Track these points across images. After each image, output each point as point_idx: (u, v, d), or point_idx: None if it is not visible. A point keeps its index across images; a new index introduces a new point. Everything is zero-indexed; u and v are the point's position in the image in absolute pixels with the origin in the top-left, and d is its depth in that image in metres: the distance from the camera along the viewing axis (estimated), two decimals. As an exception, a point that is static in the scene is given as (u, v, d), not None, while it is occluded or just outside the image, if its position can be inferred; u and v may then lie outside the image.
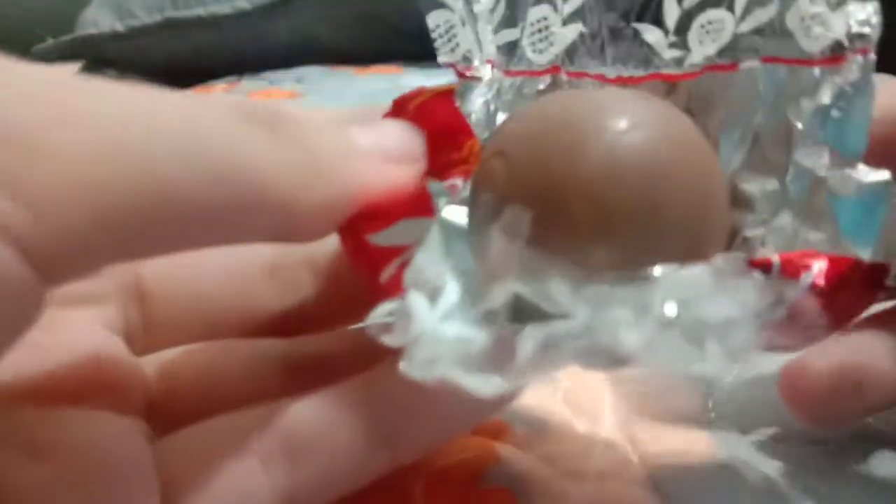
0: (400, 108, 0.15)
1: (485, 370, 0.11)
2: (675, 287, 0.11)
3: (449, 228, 0.14)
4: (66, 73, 0.11)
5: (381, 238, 0.14)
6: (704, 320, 0.11)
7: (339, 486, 0.14)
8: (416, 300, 0.12)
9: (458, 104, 0.15)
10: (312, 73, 0.67)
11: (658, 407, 0.22)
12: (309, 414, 0.14)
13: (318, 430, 0.13)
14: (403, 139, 0.15)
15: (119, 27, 0.73)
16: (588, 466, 0.19)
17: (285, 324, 0.18)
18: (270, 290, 0.18)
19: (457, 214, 0.15)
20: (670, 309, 0.11)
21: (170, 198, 0.10)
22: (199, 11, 0.71)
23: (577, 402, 0.22)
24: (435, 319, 0.11)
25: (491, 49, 0.17)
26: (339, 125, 0.14)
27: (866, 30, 0.15)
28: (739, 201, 0.17)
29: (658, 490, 0.18)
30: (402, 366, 0.11)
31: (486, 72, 0.17)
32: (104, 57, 0.81)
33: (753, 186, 0.17)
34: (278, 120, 0.12)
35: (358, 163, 0.13)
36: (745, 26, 0.17)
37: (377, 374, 0.14)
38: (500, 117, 0.18)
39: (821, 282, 0.14)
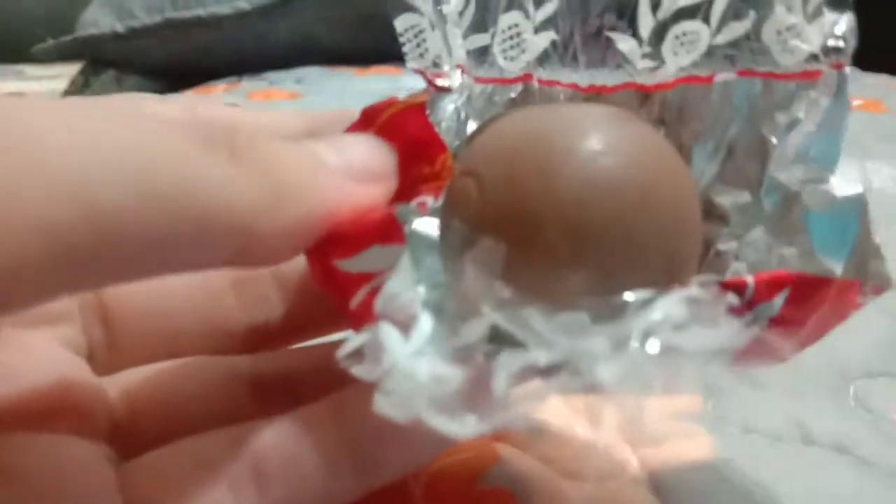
0: (369, 119, 0.15)
1: (460, 410, 0.11)
2: (651, 317, 0.11)
3: (419, 241, 0.14)
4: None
5: (350, 264, 0.13)
6: (681, 350, 0.11)
7: None
8: (387, 332, 0.11)
9: (429, 114, 0.15)
10: (312, 74, 0.68)
11: (658, 407, 0.22)
12: (278, 438, 0.13)
13: (288, 454, 0.13)
14: (373, 156, 0.14)
15: (119, 27, 0.73)
16: (588, 466, 0.19)
17: (252, 339, 0.17)
18: (236, 305, 0.17)
19: (427, 226, 0.15)
20: (649, 344, 0.11)
21: (115, 231, 0.10)
22: (199, 11, 0.71)
23: (576, 403, 0.22)
24: (408, 354, 0.11)
25: (461, 54, 0.17)
26: (304, 143, 0.13)
27: (842, 44, 0.15)
28: (713, 214, 0.17)
29: (658, 490, 0.18)
30: (376, 403, 0.10)
31: (457, 78, 0.17)
32: (104, 57, 0.81)
33: (727, 199, 0.16)
34: (238, 141, 0.12)
35: (325, 183, 0.13)
36: (721, 38, 0.17)
37: (348, 397, 0.13)
38: (471, 125, 0.18)
39: (793, 301, 0.13)
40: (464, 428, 0.10)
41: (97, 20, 0.75)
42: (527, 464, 0.19)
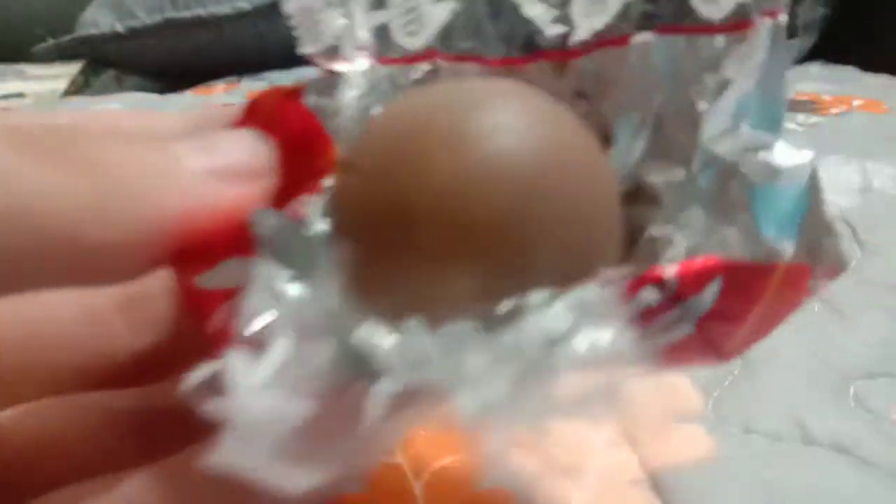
0: (253, 113, 0.13)
1: (303, 455, 0.09)
2: (542, 325, 0.10)
3: (290, 247, 0.12)
4: None
5: (206, 279, 0.12)
6: (576, 359, 0.10)
7: None
8: (235, 360, 0.10)
9: (317, 102, 0.13)
10: (312, 74, 0.67)
11: (658, 407, 0.22)
12: (141, 492, 0.12)
13: None
14: (246, 152, 0.12)
15: (119, 27, 0.74)
16: (588, 466, 0.19)
17: (144, 368, 0.16)
18: (125, 329, 0.15)
19: (299, 228, 0.13)
20: (536, 351, 0.10)
21: None
22: (199, 11, 0.71)
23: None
24: (255, 385, 0.09)
25: (363, 35, 0.15)
26: (157, 143, 0.12)
27: None
28: (644, 196, 0.14)
29: (658, 490, 0.18)
30: (210, 457, 0.09)
31: (359, 62, 0.15)
32: (104, 57, 0.81)
33: (658, 178, 0.14)
34: (62, 141, 0.11)
35: (174, 184, 0.11)
36: None
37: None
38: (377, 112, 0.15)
39: (728, 293, 0.12)
40: (305, 480, 0.09)
41: (97, 20, 0.76)
42: (527, 464, 0.19)
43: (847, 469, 0.19)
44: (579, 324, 0.10)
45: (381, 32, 0.15)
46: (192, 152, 0.12)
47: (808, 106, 0.65)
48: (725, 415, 0.21)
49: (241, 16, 0.70)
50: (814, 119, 0.60)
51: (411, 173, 0.11)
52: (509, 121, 0.12)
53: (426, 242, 0.11)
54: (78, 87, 0.88)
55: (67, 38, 0.78)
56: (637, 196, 0.14)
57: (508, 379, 0.10)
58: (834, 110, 0.64)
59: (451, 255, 0.11)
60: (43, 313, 0.15)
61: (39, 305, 0.14)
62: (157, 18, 0.72)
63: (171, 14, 0.72)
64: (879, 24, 0.90)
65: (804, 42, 0.93)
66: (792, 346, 0.25)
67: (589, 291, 0.10)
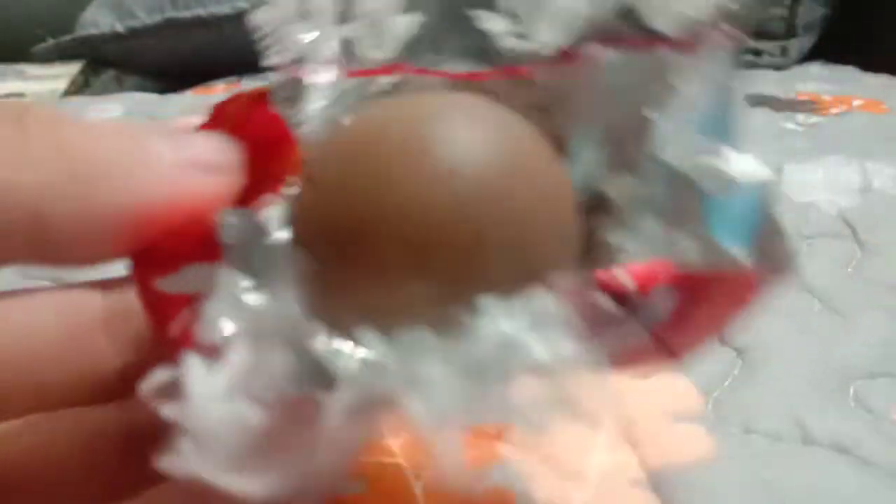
0: (218, 117, 0.13)
1: (261, 458, 0.09)
2: (495, 329, 0.10)
3: (253, 254, 0.12)
4: None
5: (168, 283, 0.12)
6: (529, 362, 0.10)
7: None
8: (193, 365, 0.10)
9: (285, 110, 0.13)
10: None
11: (658, 407, 0.22)
12: None
13: None
14: (214, 149, 0.12)
15: (119, 27, 0.74)
16: (588, 466, 0.19)
17: (128, 382, 0.15)
18: (109, 347, 0.15)
19: (262, 234, 0.13)
20: (490, 357, 0.10)
21: None
22: (199, 11, 0.71)
23: (577, 403, 0.22)
24: (212, 391, 0.10)
25: (328, 48, 0.15)
26: (127, 127, 0.12)
27: (722, 4, 0.14)
28: (601, 206, 0.15)
29: (658, 490, 0.18)
30: (165, 460, 0.09)
31: (326, 74, 0.15)
32: (104, 57, 0.81)
33: (614, 189, 0.15)
34: (29, 115, 0.11)
35: (143, 169, 0.11)
36: (592, 9, 0.15)
37: None
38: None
39: (679, 297, 0.12)
40: (259, 486, 0.09)
41: (97, 20, 0.76)
42: (527, 464, 0.19)
43: (847, 469, 0.19)
44: (533, 330, 0.10)
45: (347, 45, 0.16)
46: (161, 141, 0.12)
47: (808, 106, 0.65)
48: (725, 415, 0.21)
49: (241, 16, 0.70)
50: (814, 119, 0.60)
51: (368, 186, 0.11)
52: (465, 133, 0.12)
53: (381, 253, 0.11)
54: (78, 87, 0.88)
55: (67, 38, 0.78)
56: (594, 206, 0.14)
57: (463, 385, 0.10)
58: (834, 110, 0.64)
59: (407, 264, 0.11)
60: (26, 331, 0.14)
61: (22, 324, 0.14)
62: (157, 18, 0.72)
63: (171, 14, 0.72)
64: (879, 24, 0.90)
65: (804, 42, 0.93)
66: (792, 346, 0.25)
67: (542, 298, 0.11)
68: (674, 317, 0.12)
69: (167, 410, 0.09)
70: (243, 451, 0.09)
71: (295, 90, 0.15)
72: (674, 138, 0.14)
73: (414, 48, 0.16)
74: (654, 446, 0.20)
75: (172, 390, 0.10)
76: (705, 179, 0.13)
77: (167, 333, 0.11)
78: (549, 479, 0.19)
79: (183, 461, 0.09)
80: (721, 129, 0.14)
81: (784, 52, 0.91)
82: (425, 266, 0.11)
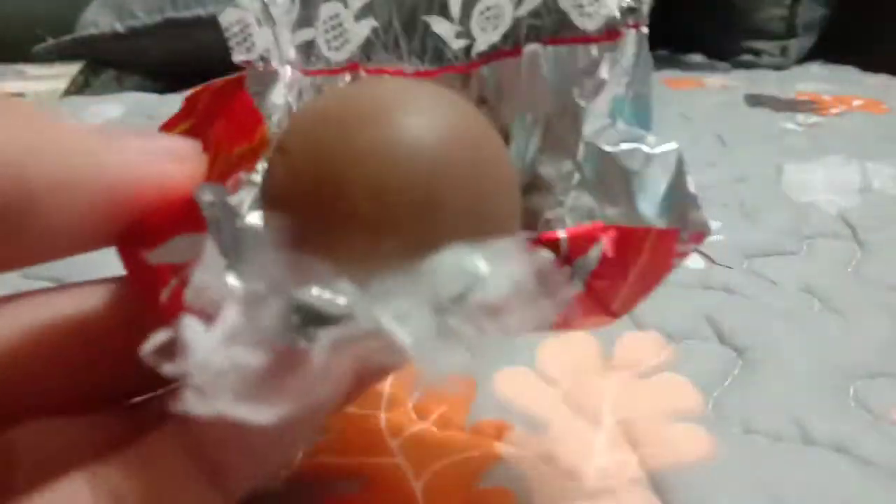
0: (191, 106, 0.15)
1: (263, 395, 0.11)
2: (453, 273, 0.11)
3: (232, 222, 0.13)
4: None
5: (157, 255, 0.13)
6: (482, 304, 0.11)
7: None
8: (190, 325, 0.11)
9: (254, 99, 0.15)
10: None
11: (658, 407, 0.22)
12: (126, 470, 0.12)
13: (138, 483, 0.12)
14: (175, 139, 0.14)
15: (119, 27, 0.73)
16: (588, 466, 0.19)
17: (106, 391, 0.16)
18: (84, 356, 0.15)
19: (241, 204, 0.15)
20: (447, 291, 0.11)
21: None
22: (199, 11, 0.71)
23: (577, 402, 0.22)
24: (211, 345, 0.11)
25: (289, 50, 0.17)
26: (96, 127, 0.13)
27: (637, 4, 0.16)
28: (539, 186, 0.17)
29: (658, 490, 0.18)
30: (180, 403, 0.10)
31: (286, 73, 0.17)
32: (104, 57, 0.81)
33: (550, 170, 0.17)
34: (11, 106, 0.11)
35: (117, 154, 0.12)
36: (523, 10, 0.17)
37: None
38: None
39: (610, 253, 0.14)
40: (268, 414, 0.10)
41: (97, 20, 0.76)
42: (527, 464, 0.19)
43: (847, 469, 0.19)
44: (493, 268, 0.12)
45: (308, 47, 0.17)
46: (127, 134, 0.13)
47: (808, 106, 0.65)
48: (725, 415, 0.21)
49: (241, 16, 0.70)
50: (814, 119, 0.60)
51: (338, 148, 0.13)
52: (425, 103, 0.13)
53: (353, 206, 0.12)
54: (78, 87, 0.88)
55: (67, 38, 0.78)
56: (533, 187, 0.17)
57: (434, 316, 0.11)
58: (834, 110, 0.64)
59: (377, 221, 0.12)
60: (29, 332, 0.15)
61: (26, 324, 0.15)
62: (157, 18, 0.72)
63: (171, 14, 0.72)
64: (879, 24, 0.90)
65: (804, 42, 0.93)
66: (792, 346, 0.25)
67: (501, 243, 0.12)
68: (606, 272, 0.14)
69: (168, 368, 0.10)
70: (246, 390, 0.10)
71: (266, 74, 0.16)
72: (600, 123, 0.16)
73: (369, 49, 0.18)
74: (654, 446, 0.20)
75: (172, 349, 0.11)
76: (629, 159, 0.15)
77: (158, 302, 0.12)
78: (549, 479, 0.19)
79: (191, 406, 0.10)
80: (639, 113, 0.16)
81: (784, 52, 0.91)
82: (391, 223, 0.12)
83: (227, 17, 0.16)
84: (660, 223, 0.15)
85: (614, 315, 0.15)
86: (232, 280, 0.11)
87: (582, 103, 0.16)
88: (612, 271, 0.14)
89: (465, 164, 0.13)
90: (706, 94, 0.72)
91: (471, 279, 0.11)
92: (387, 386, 0.22)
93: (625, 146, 0.16)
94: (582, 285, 0.14)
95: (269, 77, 0.16)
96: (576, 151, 0.16)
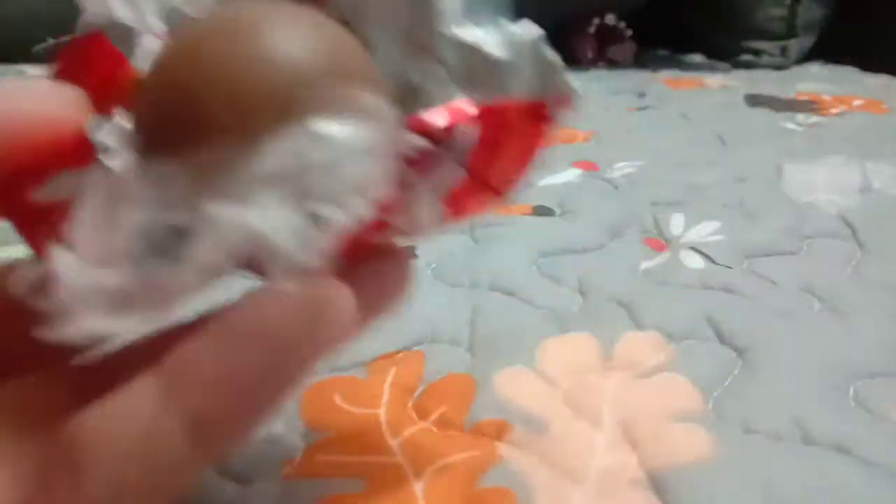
0: (63, 60, 0.15)
1: (127, 309, 0.11)
2: (312, 145, 0.12)
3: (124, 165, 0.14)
4: None
5: (43, 194, 0.13)
6: (350, 182, 0.12)
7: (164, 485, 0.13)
8: (61, 257, 0.11)
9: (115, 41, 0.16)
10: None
11: (658, 407, 0.22)
12: (99, 423, 0.12)
13: (113, 435, 0.12)
14: (48, 83, 0.14)
15: (119, 27, 0.73)
16: (588, 466, 0.19)
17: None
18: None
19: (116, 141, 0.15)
20: (311, 171, 0.12)
21: None
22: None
23: (577, 402, 0.22)
24: (78, 272, 0.11)
25: (153, 21, 0.17)
26: None
27: None
28: (408, 92, 0.17)
29: (658, 490, 0.18)
30: (49, 328, 0.11)
31: (147, 40, 0.17)
32: (104, 57, 0.81)
33: (417, 73, 0.17)
34: None
35: None
36: None
37: (174, 359, 0.13)
38: None
39: (479, 131, 0.15)
40: (129, 324, 0.11)
41: (97, 20, 0.75)
42: (527, 464, 0.19)
43: (847, 469, 0.19)
44: (354, 137, 0.12)
45: (173, 14, 0.18)
46: (3, 80, 0.13)
47: (808, 106, 0.65)
48: (725, 415, 0.21)
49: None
50: (814, 119, 0.61)
51: (193, 69, 0.13)
52: (278, 17, 0.14)
53: (210, 118, 0.13)
54: (78, 87, 0.88)
55: (67, 38, 0.78)
56: (403, 94, 0.17)
57: (301, 206, 0.12)
58: (834, 110, 0.64)
59: (233, 123, 0.13)
60: None
61: None
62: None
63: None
64: (879, 24, 0.90)
65: (804, 42, 0.93)
66: (792, 345, 0.25)
67: (360, 129, 0.13)
68: (482, 149, 0.15)
69: (38, 301, 0.11)
70: (110, 307, 0.11)
71: (123, 37, 0.17)
72: (456, 19, 0.17)
73: None
74: (654, 446, 0.20)
75: (43, 281, 0.11)
76: (489, 46, 0.16)
77: (39, 240, 0.13)
78: (549, 479, 0.19)
79: (63, 328, 0.11)
80: (490, 6, 0.17)
81: (784, 52, 0.91)
82: (247, 125, 0.13)
83: None
84: (527, 94, 0.15)
85: (499, 193, 0.16)
86: (106, 202, 0.12)
87: (436, 2, 0.17)
88: (485, 149, 0.15)
89: (327, 64, 0.14)
90: (706, 94, 0.72)
91: (331, 149, 0.12)
92: (387, 386, 0.22)
93: (484, 35, 0.16)
94: (459, 167, 0.15)
95: (127, 31, 0.17)
96: (438, 49, 0.17)
